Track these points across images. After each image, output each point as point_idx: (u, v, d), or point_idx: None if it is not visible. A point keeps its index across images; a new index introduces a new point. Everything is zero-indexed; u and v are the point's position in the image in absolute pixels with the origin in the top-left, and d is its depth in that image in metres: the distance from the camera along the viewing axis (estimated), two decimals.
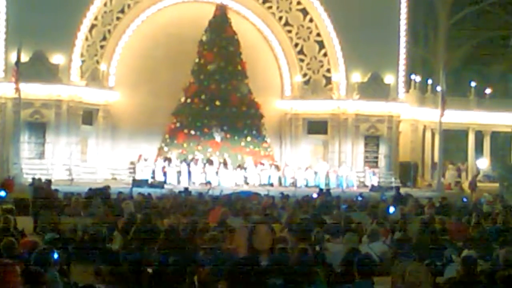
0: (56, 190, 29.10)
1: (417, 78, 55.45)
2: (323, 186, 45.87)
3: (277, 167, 50.16)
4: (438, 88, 51.98)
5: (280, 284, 10.13)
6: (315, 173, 50.37)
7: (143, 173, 47.34)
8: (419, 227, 18.04)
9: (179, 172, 47.63)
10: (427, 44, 62.53)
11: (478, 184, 51.63)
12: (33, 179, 33.66)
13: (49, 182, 31.36)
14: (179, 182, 46.22)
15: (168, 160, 48.33)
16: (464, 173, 57.96)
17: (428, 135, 56.46)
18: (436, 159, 53.51)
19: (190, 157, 48.01)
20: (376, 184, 48.77)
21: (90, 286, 8.23)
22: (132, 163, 49.79)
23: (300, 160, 52.10)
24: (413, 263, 8.39)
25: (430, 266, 11.99)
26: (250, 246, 8.83)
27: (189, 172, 47.48)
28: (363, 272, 8.86)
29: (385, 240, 14.98)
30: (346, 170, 50.57)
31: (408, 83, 54.54)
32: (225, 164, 48.09)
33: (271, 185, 47.61)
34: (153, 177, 46.86)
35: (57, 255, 11.41)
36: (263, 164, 49.34)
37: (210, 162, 48.03)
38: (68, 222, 21.08)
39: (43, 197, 27.70)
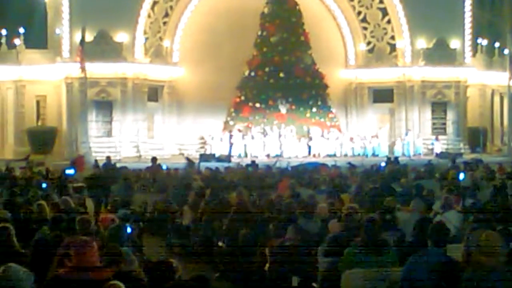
0: (125, 168, 29.38)
1: (484, 42, 54.32)
2: (384, 155, 45.45)
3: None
4: (506, 51, 50.95)
5: (353, 253, 10.16)
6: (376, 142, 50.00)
7: (221, 148, 47.37)
8: (490, 193, 17.77)
9: (245, 145, 47.77)
10: (493, 7, 61.14)
11: None
12: (107, 157, 34.04)
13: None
14: (245, 155, 46.37)
15: (233, 133, 48.41)
16: None
17: (497, 99, 55.40)
18: (506, 123, 52.54)
19: (256, 129, 48.02)
20: (441, 150, 48.04)
21: (165, 262, 8.20)
22: (202, 138, 50.06)
23: (366, 129, 51.74)
24: (487, 230, 8.23)
25: (503, 232, 11.77)
26: None
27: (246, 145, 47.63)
28: (436, 240, 8.76)
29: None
30: (412, 137, 49.97)
31: (475, 47, 53.49)
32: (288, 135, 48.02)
33: (345, 155, 47.48)
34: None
35: (130, 230, 11.63)
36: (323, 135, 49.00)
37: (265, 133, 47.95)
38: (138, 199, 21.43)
39: (114, 175, 28.10)
